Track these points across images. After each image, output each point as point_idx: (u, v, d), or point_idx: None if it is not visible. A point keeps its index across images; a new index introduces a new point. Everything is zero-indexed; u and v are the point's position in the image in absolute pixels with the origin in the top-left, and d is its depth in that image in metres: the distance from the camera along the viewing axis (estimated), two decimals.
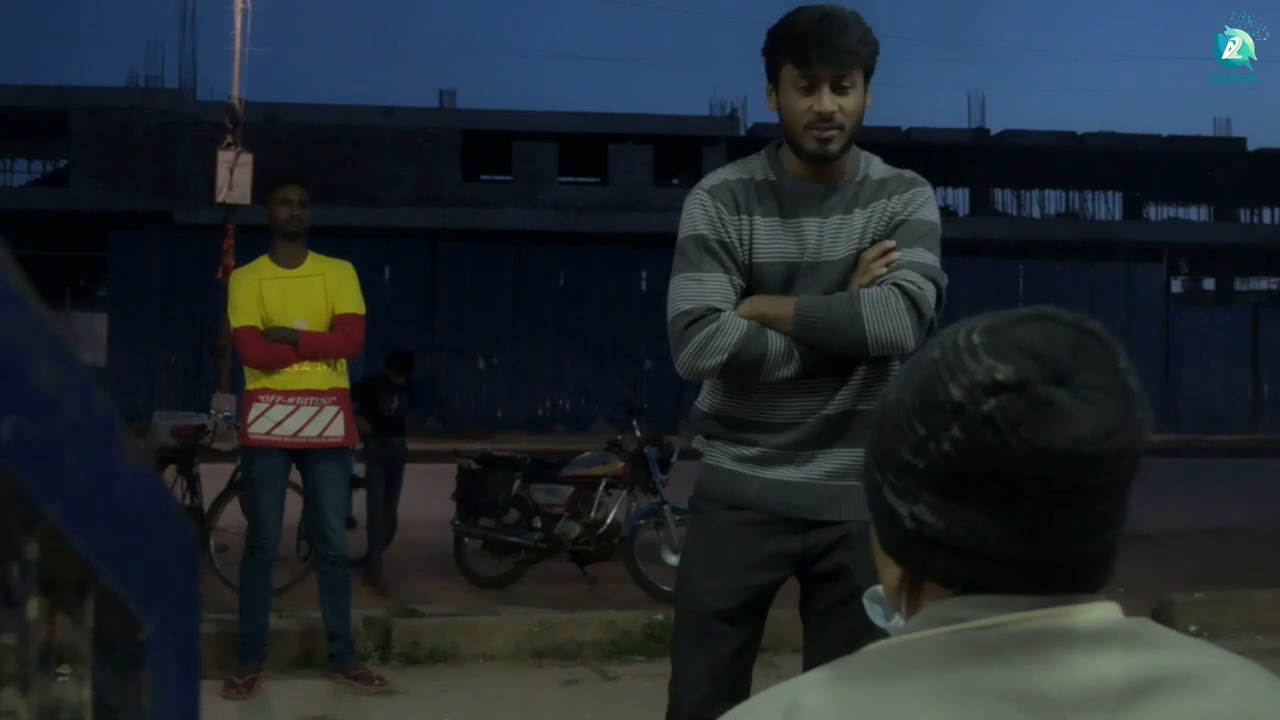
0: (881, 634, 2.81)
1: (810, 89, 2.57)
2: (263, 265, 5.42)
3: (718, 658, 2.70)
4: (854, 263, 2.68)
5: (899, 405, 1.02)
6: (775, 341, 2.60)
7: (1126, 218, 34.93)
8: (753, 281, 2.68)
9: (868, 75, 2.63)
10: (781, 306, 2.63)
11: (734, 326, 2.59)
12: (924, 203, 2.70)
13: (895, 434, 1.01)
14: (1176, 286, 34.18)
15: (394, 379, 8.14)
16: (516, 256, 25.05)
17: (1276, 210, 36.54)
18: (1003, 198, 35.93)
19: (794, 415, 2.68)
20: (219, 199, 18.70)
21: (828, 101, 2.56)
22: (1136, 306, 26.60)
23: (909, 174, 2.77)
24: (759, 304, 2.65)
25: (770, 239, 2.68)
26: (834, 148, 2.61)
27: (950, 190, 36.60)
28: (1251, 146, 33.21)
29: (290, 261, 5.38)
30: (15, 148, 32.80)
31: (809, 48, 2.55)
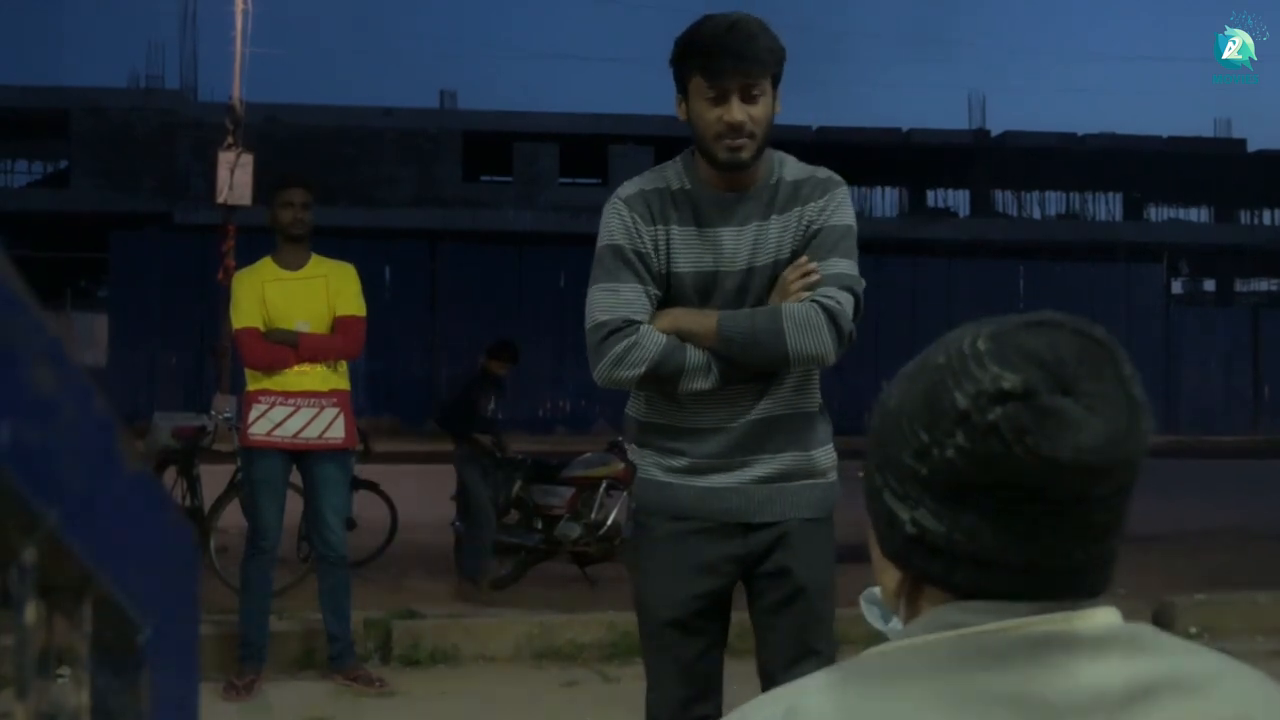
0: (827, 628, 2.81)
1: (720, 99, 2.59)
2: (265, 267, 5.42)
3: (681, 663, 2.74)
4: (773, 270, 2.68)
5: (901, 411, 1.01)
6: (693, 356, 2.62)
7: (1127, 219, 34.92)
8: (671, 290, 2.70)
9: (775, 82, 2.65)
10: (703, 321, 2.64)
11: (652, 341, 2.61)
12: (838, 206, 2.71)
13: (897, 439, 1.01)
14: (1177, 287, 34.18)
15: (497, 371, 7.75)
16: (517, 257, 25.07)
17: (1277, 211, 36.52)
18: (1003, 199, 35.92)
19: (716, 421, 2.70)
20: (219, 200, 18.74)
21: (737, 112, 2.58)
22: (1137, 307, 26.61)
23: (823, 174, 2.76)
24: (680, 318, 2.66)
25: (687, 248, 2.69)
26: (745, 155, 2.62)
27: (951, 191, 36.62)
28: (1252, 148, 33.19)
29: (293, 263, 5.38)
30: (16, 148, 32.79)
31: (717, 59, 2.57)
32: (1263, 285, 38.50)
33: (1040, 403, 0.93)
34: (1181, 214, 37.20)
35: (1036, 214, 36.28)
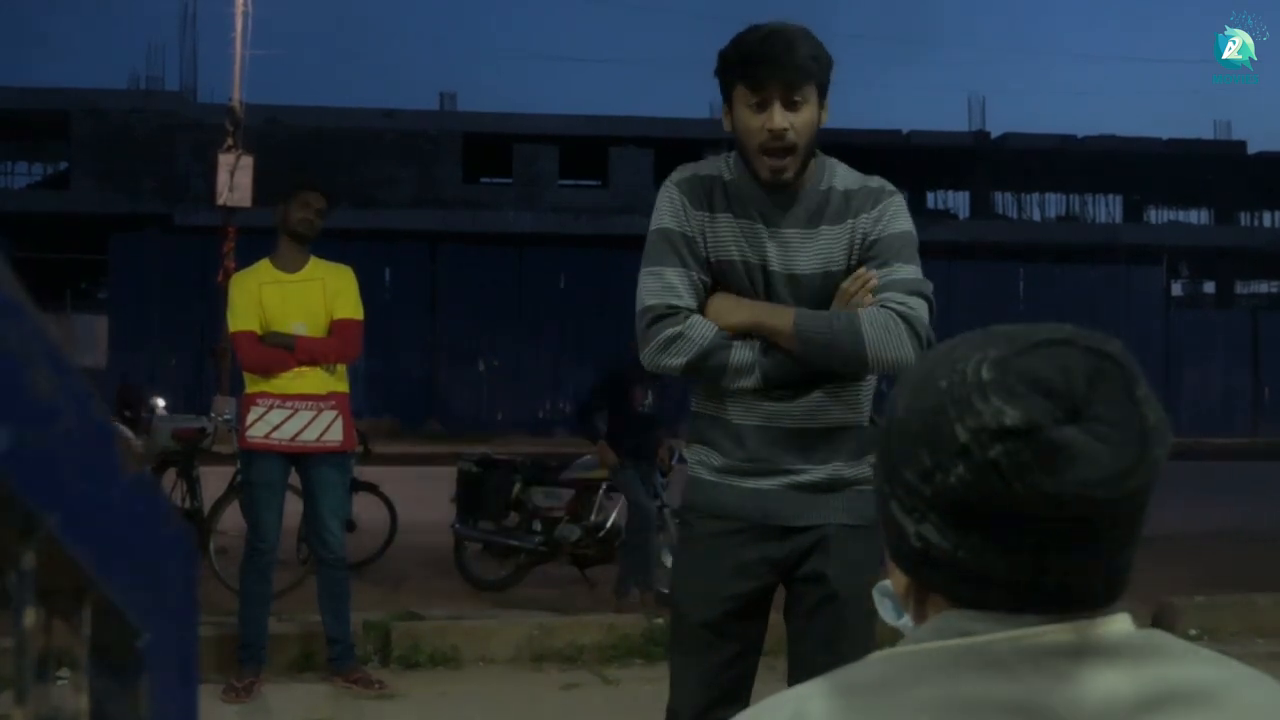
0: (860, 637, 2.76)
1: (762, 106, 2.58)
2: (263, 269, 5.41)
3: (708, 666, 2.72)
4: (821, 280, 2.66)
5: (906, 426, 0.99)
6: (737, 354, 2.62)
7: (1127, 221, 34.91)
8: (716, 279, 2.70)
9: (823, 90, 2.62)
10: (780, 318, 2.63)
11: (699, 333, 2.61)
12: (894, 214, 2.69)
13: (901, 455, 0.99)
14: (1177, 289, 34.17)
15: None
16: (517, 259, 25.06)
17: (1276, 213, 36.51)
18: (1003, 200, 35.92)
19: (763, 420, 2.68)
20: (219, 201, 18.76)
21: (779, 118, 2.56)
22: (1137, 309, 26.60)
23: (876, 183, 2.74)
24: (759, 311, 2.65)
25: (733, 240, 2.68)
26: (787, 176, 2.62)
27: (951, 193, 36.62)
28: (1252, 150, 33.20)
29: (291, 265, 5.37)
30: (16, 150, 32.80)
31: (757, 66, 2.56)
32: (1263, 287, 38.49)
33: (1044, 437, 0.90)
34: (1181, 216, 37.20)
35: (1036, 216, 36.28)
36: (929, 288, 2.67)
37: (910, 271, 2.66)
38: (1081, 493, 0.90)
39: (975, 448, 0.92)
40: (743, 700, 2.71)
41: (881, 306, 2.60)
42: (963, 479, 0.93)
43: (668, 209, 2.70)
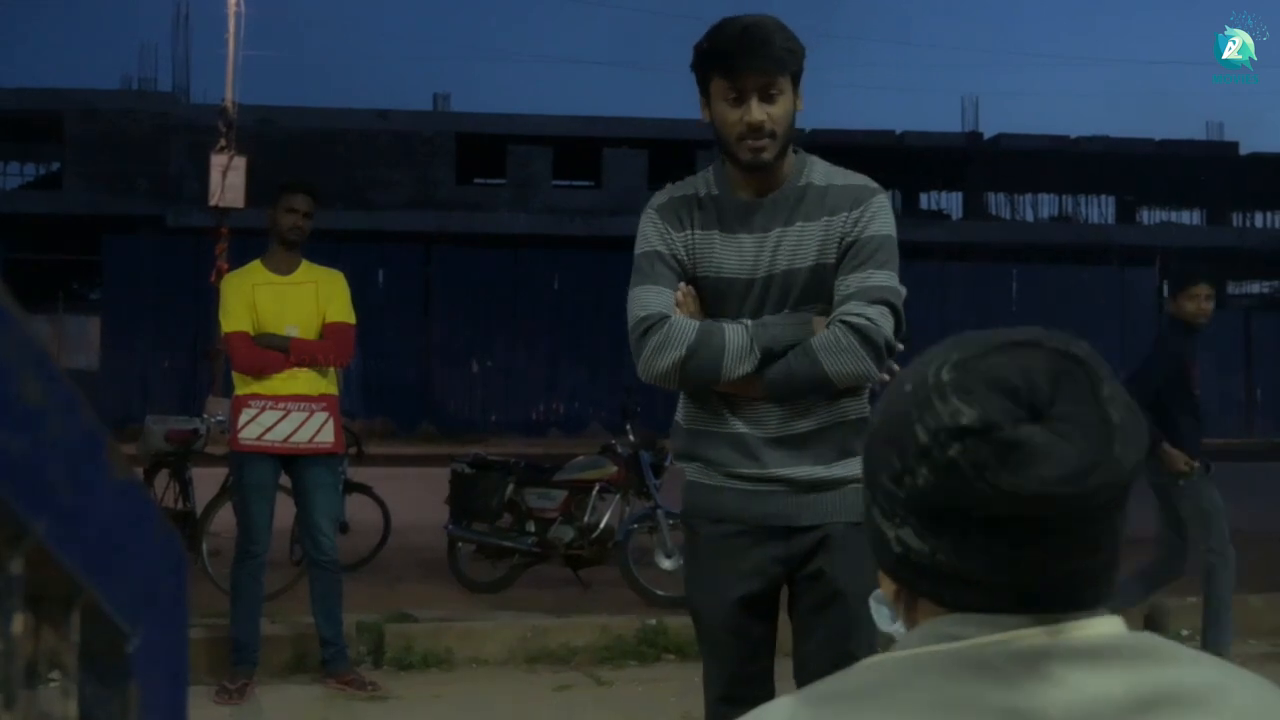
0: (867, 636, 2.76)
1: (739, 100, 2.63)
2: (255, 270, 5.41)
3: (726, 664, 2.79)
4: (809, 275, 2.68)
5: (879, 432, 1.02)
6: (734, 335, 2.63)
7: (1120, 222, 34.96)
8: (702, 296, 2.74)
9: (796, 79, 2.67)
10: (749, 385, 2.66)
11: (688, 324, 2.65)
12: (874, 215, 2.70)
13: (877, 459, 1.01)
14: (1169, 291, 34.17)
15: (1193, 313, 5.76)
16: (511, 260, 25.03)
17: (1269, 215, 36.60)
18: (996, 201, 35.95)
19: (754, 422, 2.70)
20: (212, 203, 18.74)
21: (756, 112, 2.62)
22: (1130, 310, 26.62)
23: (859, 181, 2.77)
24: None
25: (710, 253, 2.74)
26: (767, 156, 2.65)
27: (944, 194, 36.65)
28: (1244, 151, 33.25)
29: (284, 268, 5.37)
30: (8, 151, 32.71)
31: (734, 60, 2.61)
32: (1255, 288, 38.57)
33: (1000, 436, 0.92)
34: (1174, 217, 37.25)
35: (1029, 217, 36.31)
36: (897, 294, 2.68)
37: (880, 278, 2.66)
38: (1043, 490, 0.91)
39: (935, 448, 0.94)
40: (764, 695, 2.74)
41: (838, 321, 2.62)
42: (929, 480, 0.95)
43: (653, 233, 2.76)
